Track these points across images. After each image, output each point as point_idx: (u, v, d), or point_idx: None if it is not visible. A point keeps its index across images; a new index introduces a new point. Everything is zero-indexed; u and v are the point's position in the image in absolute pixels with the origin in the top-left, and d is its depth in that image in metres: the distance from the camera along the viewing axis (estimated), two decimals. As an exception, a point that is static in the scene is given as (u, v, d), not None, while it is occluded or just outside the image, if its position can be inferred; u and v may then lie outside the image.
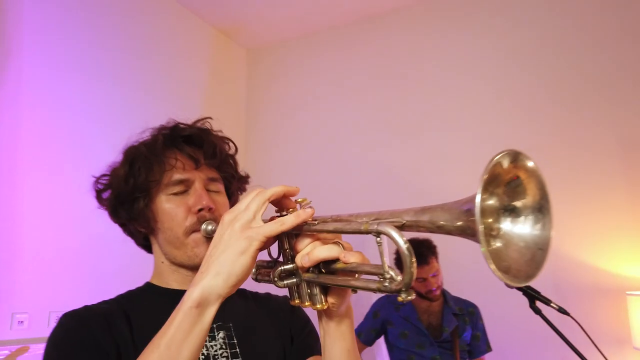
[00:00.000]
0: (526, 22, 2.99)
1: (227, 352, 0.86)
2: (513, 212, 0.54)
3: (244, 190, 1.06)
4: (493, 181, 0.52)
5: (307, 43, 3.77)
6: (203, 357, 0.84)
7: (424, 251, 2.28)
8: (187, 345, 0.60)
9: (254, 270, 0.77)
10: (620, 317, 2.42)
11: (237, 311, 0.94)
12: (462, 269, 2.79)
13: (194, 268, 0.83)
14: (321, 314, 0.73)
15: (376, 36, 3.47)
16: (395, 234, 0.55)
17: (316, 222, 0.67)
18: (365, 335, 2.47)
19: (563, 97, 2.80)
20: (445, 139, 3.07)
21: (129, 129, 2.97)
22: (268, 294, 1.05)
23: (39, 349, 2.17)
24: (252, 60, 4.00)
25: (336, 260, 0.65)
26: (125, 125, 2.66)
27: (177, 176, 0.89)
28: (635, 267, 2.46)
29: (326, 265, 0.67)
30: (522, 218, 0.55)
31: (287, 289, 0.72)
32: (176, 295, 0.86)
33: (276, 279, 0.70)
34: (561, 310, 1.60)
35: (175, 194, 0.89)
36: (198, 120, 0.98)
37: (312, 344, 0.96)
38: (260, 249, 0.66)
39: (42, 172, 2.33)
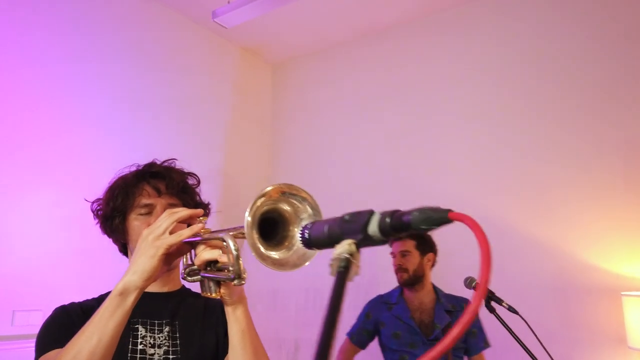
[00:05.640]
0: (529, 29, 3.05)
1: (169, 342, 1.12)
2: (303, 220, 0.77)
3: (208, 215, 1.32)
4: (274, 203, 0.75)
5: (330, 55, 3.98)
6: (150, 344, 1.11)
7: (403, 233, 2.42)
8: (111, 321, 0.87)
9: (182, 271, 1.03)
10: (616, 317, 2.45)
11: (187, 311, 1.20)
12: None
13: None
14: (223, 303, 0.98)
15: (395, 45, 3.63)
16: (229, 239, 0.81)
17: (202, 234, 0.93)
18: (357, 337, 2.48)
19: (568, 100, 2.84)
20: (463, 145, 3.18)
21: (159, 144, 3.29)
22: (219, 299, 1.31)
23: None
24: (277, 76, 4.29)
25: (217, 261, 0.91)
26: (156, 141, 3.06)
27: (144, 201, 1.18)
28: (631, 268, 2.47)
29: (214, 264, 0.93)
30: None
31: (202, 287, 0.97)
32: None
33: (186, 276, 0.97)
34: (511, 310, 1.74)
35: (142, 214, 1.18)
36: (165, 161, 1.26)
37: None
38: (169, 254, 0.92)
39: (50, 185, 2.61)
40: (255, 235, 0.71)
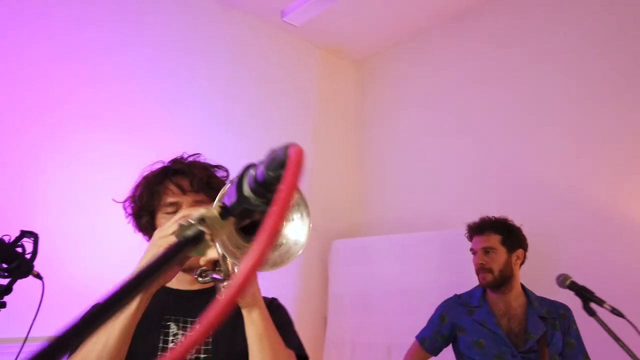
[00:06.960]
0: (611, 5, 2.60)
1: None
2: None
3: None
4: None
5: (413, 45, 3.78)
6: (180, 341, 1.08)
7: (484, 224, 2.08)
8: (117, 324, 0.85)
9: (194, 272, 0.99)
10: None
11: None
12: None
13: (183, 270, 1.10)
14: (238, 305, 0.92)
15: (485, 25, 3.34)
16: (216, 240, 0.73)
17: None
18: (430, 342, 2.11)
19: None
20: (564, 128, 2.81)
21: (246, 147, 3.33)
22: (274, 299, 1.24)
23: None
24: (361, 72, 4.18)
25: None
26: (244, 143, 3.13)
27: (170, 199, 1.16)
28: None
29: (219, 264, 0.88)
30: (291, 219, 0.66)
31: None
32: (172, 292, 1.14)
33: (197, 277, 0.94)
34: (615, 312, 1.45)
35: (169, 212, 1.16)
36: (190, 156, 1.24)
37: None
38: None
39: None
40: (230, 231, 0.62)
